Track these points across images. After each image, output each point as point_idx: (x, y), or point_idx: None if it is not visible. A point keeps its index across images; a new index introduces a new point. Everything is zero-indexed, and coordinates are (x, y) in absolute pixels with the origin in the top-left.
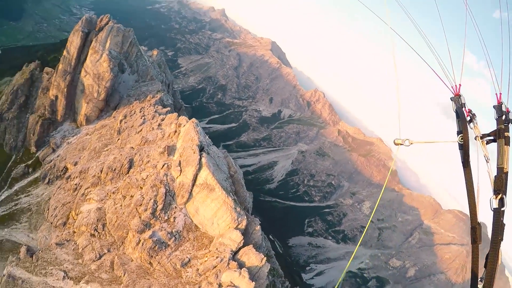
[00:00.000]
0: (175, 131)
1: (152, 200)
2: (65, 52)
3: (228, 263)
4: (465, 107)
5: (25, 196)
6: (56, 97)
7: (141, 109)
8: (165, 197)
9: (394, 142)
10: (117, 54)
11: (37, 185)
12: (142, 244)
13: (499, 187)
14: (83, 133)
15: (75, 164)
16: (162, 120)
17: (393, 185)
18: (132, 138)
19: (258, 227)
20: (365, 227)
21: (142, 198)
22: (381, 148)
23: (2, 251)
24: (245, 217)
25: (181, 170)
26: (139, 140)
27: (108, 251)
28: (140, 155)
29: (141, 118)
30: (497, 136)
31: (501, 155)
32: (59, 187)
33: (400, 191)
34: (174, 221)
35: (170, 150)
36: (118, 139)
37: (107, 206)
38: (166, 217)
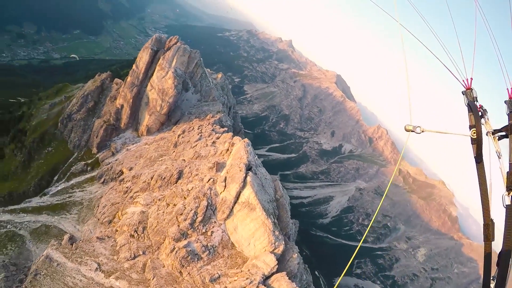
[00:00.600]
0: (227, 150)
1: (192, 211)
2: (134, 66)
3: (257, 287)
4: (477, 101)
5: (79, 191)
6: (122, 106)
7: (199, 126)
8: (206, 210)
9: (404, 128)
10: (182, 73)
11: (92, 183)
12: (176, 252)
13: (511, 184)
14: (142, 142)
15: (130, 169)
16: (217, 138)
17: (452, 233)
18: (186, 152)
19: (296, 255)
20: (418, 275)
21: (183, 208)
22: (443, 192)
23: (47, 236)
24: (283, 242)
25: (225, 186)
26: (192, 154)
27: (143, 253)
28: (190, 167)
29: (198, 134)
30: (509, 131)
31: None
32: (111, 188)
33: (459, 240)
34: (211, 235)
35: (219, 166)
36: (174, 151)
37: (150, 211)
38: (204, 230)
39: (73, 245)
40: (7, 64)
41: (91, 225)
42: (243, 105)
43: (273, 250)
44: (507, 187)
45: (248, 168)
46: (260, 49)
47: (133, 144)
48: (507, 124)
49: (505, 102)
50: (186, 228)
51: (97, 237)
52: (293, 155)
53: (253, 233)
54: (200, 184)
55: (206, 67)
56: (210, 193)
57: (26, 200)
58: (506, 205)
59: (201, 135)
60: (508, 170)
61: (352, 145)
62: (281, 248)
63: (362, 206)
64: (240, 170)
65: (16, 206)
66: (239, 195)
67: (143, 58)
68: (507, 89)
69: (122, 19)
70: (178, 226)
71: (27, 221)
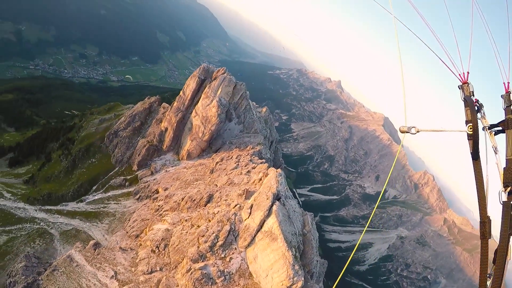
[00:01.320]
0: (260, 179)
1: (214, 234)
2: (181, 93)
3: None
4: (473, 96)
5: (114, 203)
6: (166, 129)
7: (238, 156)
8: (228, 235)
9: (399, 129)
10: (227, 102)
11: (128, 197)
12: (191, 273)
13: (508, 180)
14: (181, 166)
15: (165, 189)
16: (253, 168)
17: None
18: (220, 178)
19: None
20: None
21: (206, 230)
22: (490, 244)
23: (76, 239)
24: (302, 279)
25: (250, 213)
26: (225, 180)
27: (160, 269)
28: (220, 192)
29: (235, 163)
30: (506, 126)
31: (510, 146)
32: (144, 204)
33: None
34: (230, 261)
35: (249, 194)
36: (209, 177)
37: (175, 230)
38: (223, 255)
39: (96, 251)
40: (68, 80)
41: (119, 236)
42: (288, 143)
43: (290, 286)
44: (504, 183)
45: (277, 198)
46: (309, 88)
47: (172, 166)
48: (504, 119)
49: (501, 96)
50: (205, 251)
51: (120, 247)
52: (335, 197)
53: (272, 264)
54: (226, 209)
55: (255, 103)
56: (235, 219)
57: (63, 203)
58: (503, 201)
59: (238, 164)
60: (504, 166)
61: (397, 191)
62: (300, 284)
63: (402, 256)
64: (267, 199)
65: (52, 207)
66: (263, 223)
67: (190, 85)
68: (504, 83)
69: (179, 50)
70: (198, 247)
71: (59, 222)
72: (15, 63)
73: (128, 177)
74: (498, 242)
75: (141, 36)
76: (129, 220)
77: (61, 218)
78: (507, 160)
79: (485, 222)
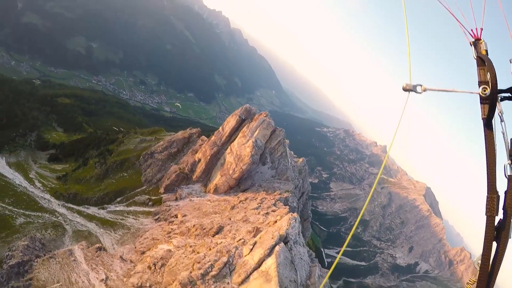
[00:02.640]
0: (276, 221)
1: (209, 263)
2: (220, 128)
3: None
4: (487, 55)
5: (133, 218)
6: (199, 160)
7: (262, 198)
8: (223, 267)
9: (402, 87)
10: (262, 145)
11: (147, 216)
12: None
13: None
14: (206, 198)
15: (184, 216)
16: (273, 211)
17: None
18: (237, 215)
19: None
20: None
21: (203, 257)
22: None
23: (85, 240)
24: None
25: (252, 250)
26: (240, 217)
27: (150, 286)
28: (231, 226)
29: (257, 204)
30: None
31: None
32: (160, 225)
33: None
34: None
35: (257, 232)
36: (228, 212)
37: (177, 252)
38: (213, 286)
39: (97, 253)
40: (124, 101)
41: (126, 248)
42: (324, 201)
43: None
44: (510, 155)
45: (284, 240)
46: (354, 149)
47: (197, 197)
48: None
49: (510, 60)
50: (197, 278)
51: (121, 257)
52: (363, 263)
53: None
54: (229, 242)
55: (298, 155)
56: (234, 252)
57: (86, 205)
58: (509, 175)
59: (260, 205)
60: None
61: (429, 265)
62: None
63: None
64: (272, 238)
65: (74, 206)
66: (261, 262)
67: (230, 122)
68: None
69: (233, 95)
70: (191, 272)
71: (76, 221)
72: (80, 74)
73: (153, 198)
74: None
75: (200, 75)
76: (141, 237)
77: (79, 218)
78: None
79: (493, 197)
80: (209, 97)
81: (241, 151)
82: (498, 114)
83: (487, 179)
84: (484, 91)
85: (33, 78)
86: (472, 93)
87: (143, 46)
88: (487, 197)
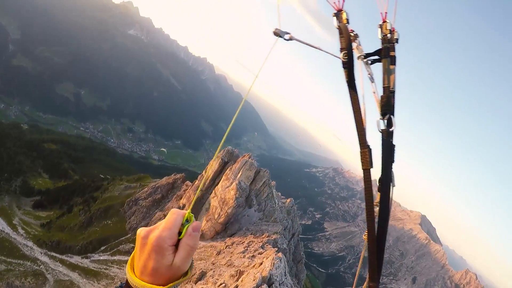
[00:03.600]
0: (261, 263)
1: None
2: (203, 172)
3: None
4: (348, 24)
5: (117, 268)
6: (184, 206)
7: (250, 241)
8: None
9: (273, 32)
10: (247, 187)
11: None
12: None
13: (386, 108)
14: None
15: None
16: (260, 253)
17: None
18: (222, 260)
19: None
20: None
21: None
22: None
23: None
24: None
25: None
26: (225, 261)
27: None
28: (214, 271)
29: (244, 247)
30: (382, 55)
31: (386, 74)
32: None
33: None
34: None
35: (241, 275)
36: (214, 258)
37: None
38: None
39: None
40: (112, 148)
41: None
42: (320, 242)
43: None
44: (381, 112)
45: (268, 282)
46: (344, 187)
47: None
48: (380, 48)
49: (378, 25)
50: None
51: None
52: None
53: None
54: (210, 287)
55: (290, 198)
56: None
57: (69, 254)
58: (381, 129)
59: (246, 249)
60: (382, 94)
61: None
62: None
63: None
64: (254, 280)
65: (57, 255)
66: None
67: (212, 166)
68: (381, 13)
69: (220, 141)
70: None
71: (59, 271)
72: (68, 120)
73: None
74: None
75: (186, 122)
76: None
77: (61, 267)
78: (384, 88)
79: (365, 151)
80: (197, 144)
81: (225, 194)
82: (368, 76)
83: (358, 136)
84: (345, 56)
85: (21, 123)
86: (335, 56)
87: (131, 93)
88: (360, 152)
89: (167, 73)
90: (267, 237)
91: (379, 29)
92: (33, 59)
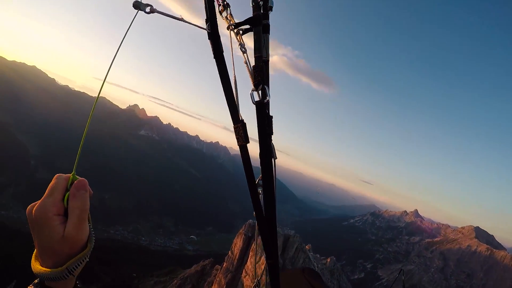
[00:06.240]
0: None
1: None
2: (229, 253)
3: None
4: None
5: None
6: None
7: None
8: None
9: (132, 4)
10: (279, 257)
11: None
12: None
13: (259, 78)
14: None
15: None
16: None
17: None
18: None
19: None
20: None
21: None
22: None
23: None
24: None
25: None
26: None
27: None
28: None
29: None
30: (253, 24)
31: (258, 43)
32: None
33: None
34: None
35: None
36: None
37: None
38: None
39: None
40: (144, 246)
41: None
42: None
43: None
44: (254, 83)
45: None
46: (387, 228)
47: None
48: (252, 16)
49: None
50: None
51: None
52: None
53: None
54: None
55: (331, 258)
56: None
57: None
58: (255, 101)
59: None
60: (253, 64)
61: None
62: None
63: None
64: None
65: None
66: None
67: (237, 244)
68: None
69: (251, 217)
70: None
71: None
72: (97, 226)
73: None
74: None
75: (213, 207)
76: None
77: None
78: (256, 57)
79: (238, 126)
80: (229, 226)
81: (257, 271)
82: (239, 46)
83: (230, 111)
84: (210, 27)
85: None
86: (200, 27)
87: (153, 190)
88: (234, 128)
89: (185, 165)
90: None
91: None
92: (54, 172)
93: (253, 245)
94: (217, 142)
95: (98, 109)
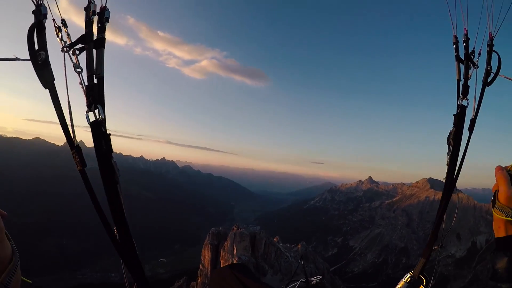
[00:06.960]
0: None
1: None
2: (200, 266)
3: None
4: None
5: None
6: None
7: None
8: None
9: None
10: (249, 257)
11: None
12: None
13: (90, 98)
14: None
15: None
16: None
17: None
18: None
19: None
20: None
21: None
22: None
23: None
24: None
25: None
26: None
27: None
28: None
29: None
30: (85, 41)
31: (89, 61)
32: None
33: None
34: None
35: None
36: None
37: None
38: None
39: None
40: (117, 282)
41: None
42: (357, 262)
43: None
44: (87, 103)
45: None
46: (347, 200)
47: None
48: (84, 33)
49: (84, 8)
50: None
51: None
52: None
53: None
54: None
55: (301, 243)
56: None
57: None
58: (91, 122)
59: None
60: (87, 83)
61: (486, 234)
62: None
63: None
64: None
65: None
66: None
67: (206, 255)
68: None
69: (215, 226)
70: None
71: None
72: (62, 275)
73: None
74: None
75: (176, 223)
76: None
77: None
78: (88, 77)
79: (74, 152)
80: (196, 238)
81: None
82: (75, 69)
83: (66, 137)
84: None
85: None
86: (22, 60)
87: None
88: (72, 154)
89: (136, 190)
90: None
91: (85, 13)
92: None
93: (222, 253)
94: (163, 158)
95: (35, 151)
